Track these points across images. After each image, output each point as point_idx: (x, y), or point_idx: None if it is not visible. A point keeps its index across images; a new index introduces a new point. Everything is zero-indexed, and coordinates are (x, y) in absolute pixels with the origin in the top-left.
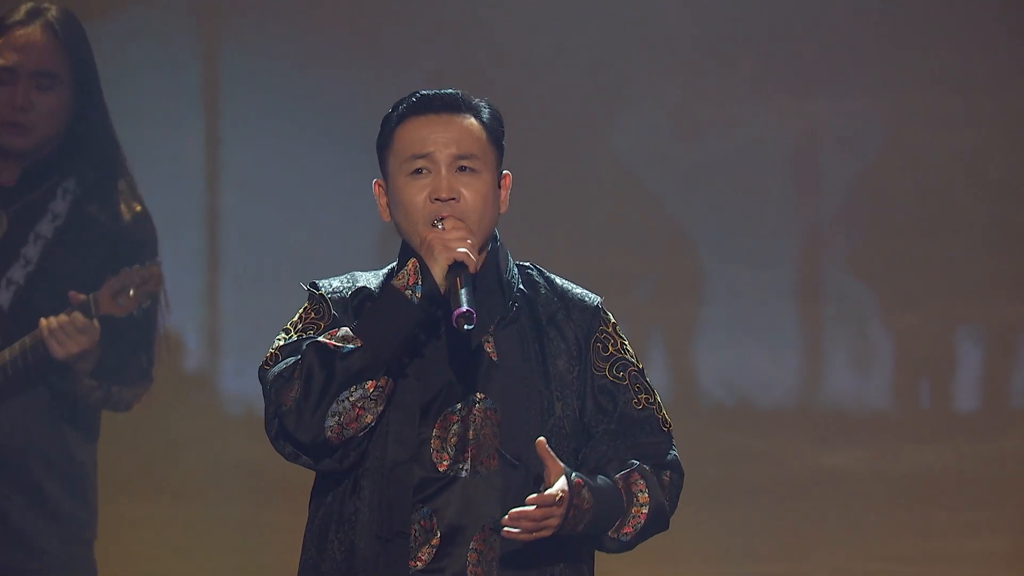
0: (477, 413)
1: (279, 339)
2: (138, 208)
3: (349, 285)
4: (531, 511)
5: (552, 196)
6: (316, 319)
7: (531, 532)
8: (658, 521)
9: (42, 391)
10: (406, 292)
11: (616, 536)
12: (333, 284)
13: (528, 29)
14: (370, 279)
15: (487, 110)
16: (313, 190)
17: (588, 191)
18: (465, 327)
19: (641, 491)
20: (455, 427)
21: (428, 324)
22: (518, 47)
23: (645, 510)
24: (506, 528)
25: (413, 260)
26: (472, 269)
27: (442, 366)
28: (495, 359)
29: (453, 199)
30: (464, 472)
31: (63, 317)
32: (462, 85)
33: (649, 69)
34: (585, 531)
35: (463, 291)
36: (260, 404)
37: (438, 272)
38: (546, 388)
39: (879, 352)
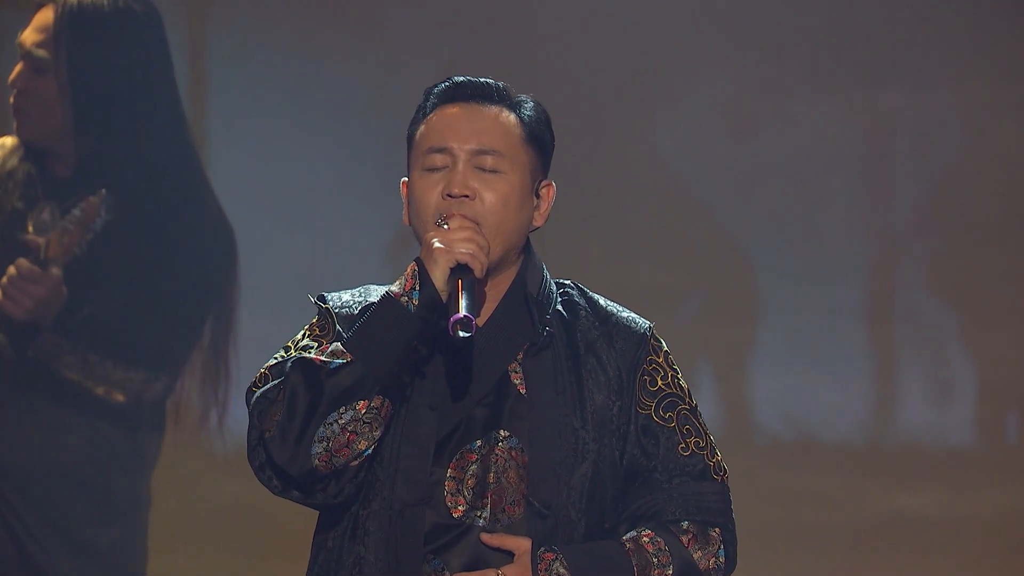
0: (500, 453)
1: (274, 357)
2: (213, 215)
3: (360, 300)
4: None
5: (584, 202)
6: (320, 335)
7: None
8: None
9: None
10: (402, 299)
11: None
12: (343, 298)
13: (558, 12)
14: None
15: (531, 106)
16: (313, 195)
17: (626, 197)
18: (461, 334)
19: (660, 550)
20: (473, 467)
21: (431, 337)
22: (547, 32)
23: (669, 571)
24: None
25: (412, 263)
26: (478, 273)
27: (461, 396)
28: (523, 391)
29: (466, 196)
30: (482, 520)
31: (11, 270)
32: (482, 76)
33: (696, 58)
34: None
35: (463, 296)
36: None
37: (438, 276)
38: (581, 426)
39: (960, 380)
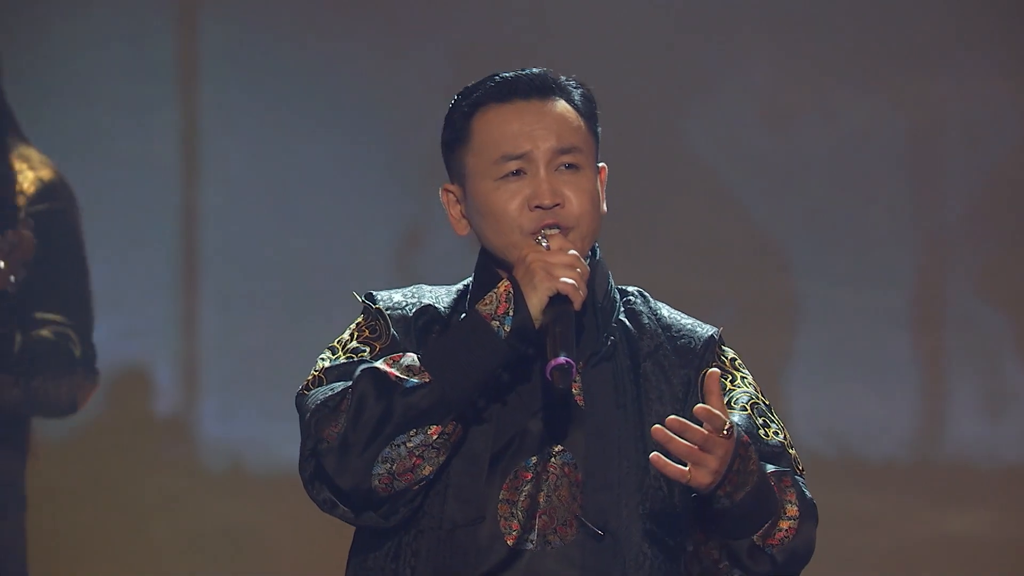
0: (552, 469)
1: (323, 359)
2: (48, 177)
3: (414, 301)
4: (695, 429)
5: (611, 200)
6: (371, 338)
7: (686, 460)
8: (806, 549)
9: None
10: (493, 323)
11: (762, 544)
12: (394, 298)
13: None
14: (440, 296)
15: (579, 90)
16: (314, 189)
17: (653, 194)
18: (560, 385)
19: (790, 502)
20: (527, 487)
21: (515, 363)
22: (570, 15)
23: (794, 525)
24: (658, 426)
25: (506, 283)
26: (576, 306)
27: (515, 407)
28: (581, 403)
29: (558, 204)
30: (531, 543)
31: None
32: (497, 62)
33: (730, 45)
34: (742, 510)
35: (564, 338)
36: (248, 457)
37: (535, 303)
38: (641, 440)
39: (1015, 392)
